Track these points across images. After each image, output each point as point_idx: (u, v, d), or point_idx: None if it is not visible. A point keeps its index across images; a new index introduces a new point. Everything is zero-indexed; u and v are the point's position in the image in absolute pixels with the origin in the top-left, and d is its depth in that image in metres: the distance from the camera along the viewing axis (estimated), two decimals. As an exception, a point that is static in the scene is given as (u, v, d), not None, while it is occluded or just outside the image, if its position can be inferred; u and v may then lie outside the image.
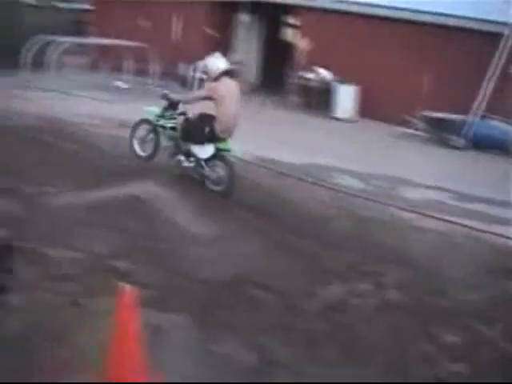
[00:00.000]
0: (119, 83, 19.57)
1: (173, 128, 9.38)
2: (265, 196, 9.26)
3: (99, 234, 6.72)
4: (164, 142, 9.63)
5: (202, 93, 9.17)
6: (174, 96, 9.55)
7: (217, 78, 8.81)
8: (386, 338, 5.37)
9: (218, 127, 8.73)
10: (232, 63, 18.98)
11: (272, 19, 22.24)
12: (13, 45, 20.27)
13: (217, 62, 8.93)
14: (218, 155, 8.81)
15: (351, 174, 11.33)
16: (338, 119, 17.48)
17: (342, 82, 17.85)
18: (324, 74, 18.52)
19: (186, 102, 9.45)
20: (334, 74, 18.26)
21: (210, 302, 5.63)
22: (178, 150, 9.32)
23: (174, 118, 9.42)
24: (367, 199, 9.88)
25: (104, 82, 19.37)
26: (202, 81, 19.78)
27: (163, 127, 9.50)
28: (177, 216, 7.61)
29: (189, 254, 6.65)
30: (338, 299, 6.09)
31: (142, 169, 9.62)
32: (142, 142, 9.93)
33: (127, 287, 3.82)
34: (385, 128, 16.52)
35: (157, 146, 9.68)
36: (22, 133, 10.87)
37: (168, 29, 22.73)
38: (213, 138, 8.73)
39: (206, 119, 8.86)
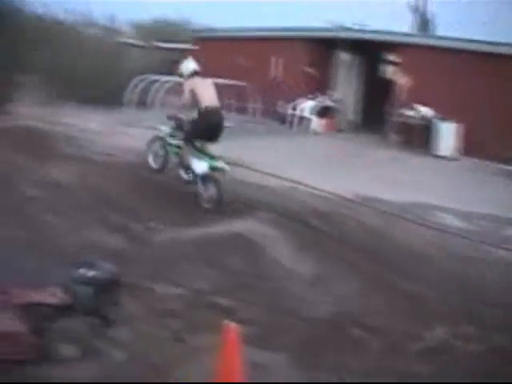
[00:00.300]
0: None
1: (177, 146, 10.57)
2: (367, 234, 9.16)
3: (202, 271, 6.79)
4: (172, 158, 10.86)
5: (186, 91, 10.18)
6: (175, 112, 10.92)
7: (190, 77, 10.33)
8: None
9: (204, 105, 9.93)
10: (332, 101, 19.06)
11: (371, 57, 22.20)
12: (118, 83, 21.06)
13: (189, 65, 10.54)
14: (210, 175, 9.74)
15: (454, 212, 11.04)
16: (439, 157, 17.16)
17: (443, 119, 17.57)
18: (425, 111, 18.30)
19: (184, 108, 10.52)
20: (435, 111, 18.01)
21: (311, 340, 5.58)
22: (180, 165, 10.45)
23: (179, 137, 10.55)
24: (471, 239, 9.60)
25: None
26: (301, 119, 20.07)
27: (170, 145, 10.81)
28: (279, 254, 7.60)
29: (290, 292, 6.63)
30: (440, 341, 5.92)
31: (244, 206, 9.70)
32: (155, 155, 11.28)
33: (232, 324, 3.84)
34: (488, 166, 16.10)
35: (166, 161, 11.04)
36: (125, 169, 11.17)
37: (267, 67, 23.02)
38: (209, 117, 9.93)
39: (197, 109, 10.07)
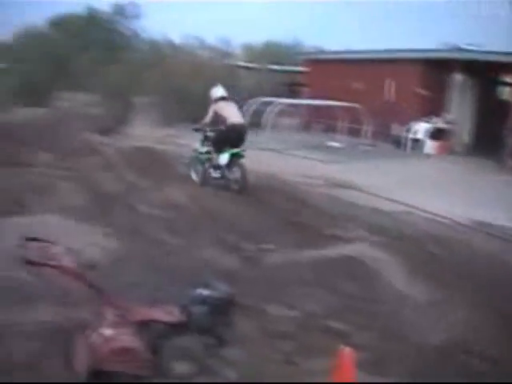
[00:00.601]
0: (332, 143, 19.90)
1: (207, 152, 12.39)
2: (481, 260, 8.90)
3: (315, 293, 6.78)
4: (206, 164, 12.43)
5: (210, 112, 12.28)
6: (199, 126, 12.67)
7: (217, 101, 12.24)
8: None
9: (231, 121, 11.91)
10: (446, 123, 18.76)
11: (486, 78, 21.67)
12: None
13: (217, 92, 12.39)
14: (233, 161, 11.69)
15: None
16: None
17: None
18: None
19: (207, 125, 12.38)
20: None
21: (423, 368, 5.47)
22: (211, 166, 12.24)
23: (207, 145, 12.47)
24: None
25: (317, 141, 19.79)
26: (415, 141, 19.79)
27: (201, 153, 12.52)
28: (392, 278, 7.49)
29: (403, 317, 6.52)
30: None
31: (356, 229, 9.65)
32: (195, 170, 12.74)
33: (346, 349, 3.83)
34: None
35: (204, 174, 12.43)
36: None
37: (380, 89, 22.87)
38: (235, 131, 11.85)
39: (222, 123, 12.08)
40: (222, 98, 12.24)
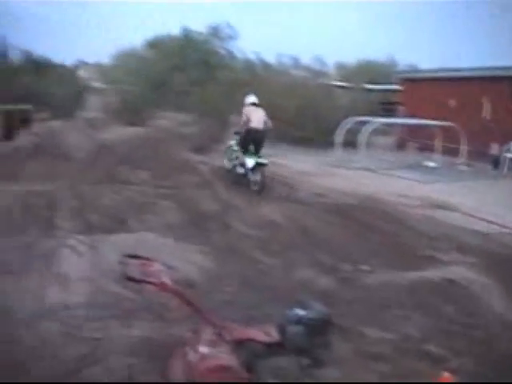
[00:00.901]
0: (428, 162, 19.58)
1: (237, 150, 14.32)
2: None
3: (412, 316, 6.67)
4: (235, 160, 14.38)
5: (244, 115, 14.03)
6: (238, 129, 14.62)
7: (248, 106, 14.11)
8: None
9: (252, 126, 13.72)
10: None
11: None
12: (326, 124, 21.47)
13: (249, 99, 14.38)
14: (257, 167, 13.31)
15: None
16: None
17: None
18: None
19: (242, 127, 14.06)
20: None
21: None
22: (238, 163, 14.12)
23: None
24: None
25: (412, 161, 19.51)
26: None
27: (234, 151, 14.57)
28: (491, 301, 7.29)
29: (503, 342, 6.32)
30: None
31: (452, 249, 9.45)
32: (228, 159, 14.94)
33: (445, 374, 3.75)
34: None
35: (233, 166, 14.42)
36: (335, 210, 11.28)
37: (477, 108, 22.36)
38: (255, 135, 13.77)
39: (245, 125, 13.92)
40: (253, 104, 14.19)
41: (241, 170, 13.90)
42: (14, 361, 5.60)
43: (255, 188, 13.17)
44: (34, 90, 27.52)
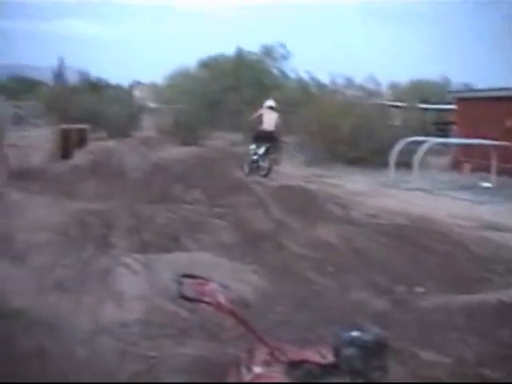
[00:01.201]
0: (484, 183, 19.30)
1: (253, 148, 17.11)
2: None
3: (468, 340, 6.57)
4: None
5: (256, 114, 16.98)
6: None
7: (265, 108, 16.88)
8: None
9: (263, 127, 16.68)
10: None
11: None
12: (380, 144, 21.39)
13: (268, 102, 17.07)
14: (266, 155, 16.37)
15: None
16: None
17: None
18: None
19: (254, 121, 17.22)
20: None
21: None
22: (253, 153, 16.98)
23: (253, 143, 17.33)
24: None
25: (467, 181, 19.27)
26: None
27: (251, 149, 17.12)
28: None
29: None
30: None
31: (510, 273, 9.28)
32: (247, 164, 17.27)
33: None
34: None
35: (249, 163, 17.19)
36: (390, 231, 11.18)
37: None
38: (265, 135, 16.69)
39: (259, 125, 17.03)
40: (270, 107, 16.81)
41: (254, 157, 16.60)
42: (70, 377, 5.70)
43: (262, 173, 16.22)
44: (90, 110, 28.21)
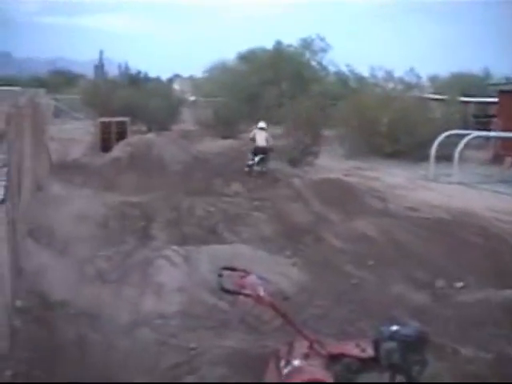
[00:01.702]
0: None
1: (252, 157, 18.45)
2: None
3: (508, 335, 6.50)
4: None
5: (251, 134, 18.87)
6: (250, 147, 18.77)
7: (257, 129, 18.65)
8: None
9: (257, 143, 18.16)
10: None
11: None
12: (420, 137, 21.18)
13: (260, 124, 18.80)
14: (260, 161, 17.89)
15: None
16: None
17: None
18: None
19: (252, 140, 18.61)
20: None
21: None
22: (251, 158, 18.10)
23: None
24: None
25: (508, 175, 18.98)
26: None
27: (250, 158, 18.31)
28: None
29: None
30: None
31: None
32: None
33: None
34: None
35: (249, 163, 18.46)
36: (429, 224, 11.08)
37: None
38: (259, 150, 18.12)
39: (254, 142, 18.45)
40: (261, 128, 18.64)
41: (250, 162, 18.01)
42: (112, 367, 5.78)
43: (254, 175, 17.74)
44: (130, 103, 28.35)
